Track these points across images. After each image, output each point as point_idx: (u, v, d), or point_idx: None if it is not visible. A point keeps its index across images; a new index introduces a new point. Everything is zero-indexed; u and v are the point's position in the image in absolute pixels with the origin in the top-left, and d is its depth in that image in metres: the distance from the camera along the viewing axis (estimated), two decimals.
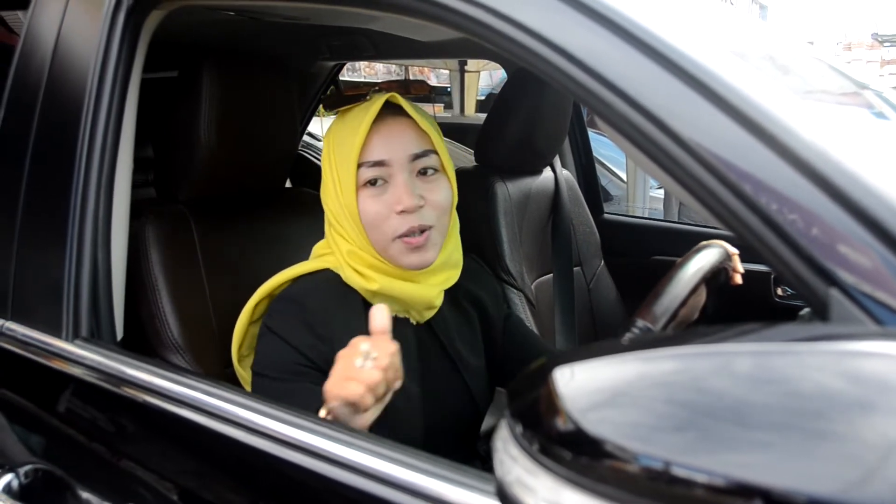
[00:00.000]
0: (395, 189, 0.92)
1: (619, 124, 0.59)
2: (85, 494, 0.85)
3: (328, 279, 0.97)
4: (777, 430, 0.39)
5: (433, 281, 0.98)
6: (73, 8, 0.96)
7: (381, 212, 0.92)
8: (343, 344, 0.89)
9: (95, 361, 0.87)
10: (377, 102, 0.93)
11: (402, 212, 0.91)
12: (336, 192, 0.95)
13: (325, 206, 0.99)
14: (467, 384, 1.03)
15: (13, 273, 0.96)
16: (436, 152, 0.96)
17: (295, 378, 0.90)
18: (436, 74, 8.56)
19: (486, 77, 7.23)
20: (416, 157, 0.94)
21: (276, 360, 0.92)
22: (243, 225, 1.27)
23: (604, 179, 3.75)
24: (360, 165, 0.92)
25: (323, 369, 0.90)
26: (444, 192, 0.96)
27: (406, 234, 0.92)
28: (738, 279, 1.08)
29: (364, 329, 0.92)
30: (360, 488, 0.63)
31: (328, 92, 1.02)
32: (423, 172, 0.95)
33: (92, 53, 0.92)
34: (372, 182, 0.93)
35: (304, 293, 0.95)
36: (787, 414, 0.39)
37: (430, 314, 1.01)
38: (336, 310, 0.95)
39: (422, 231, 0.92)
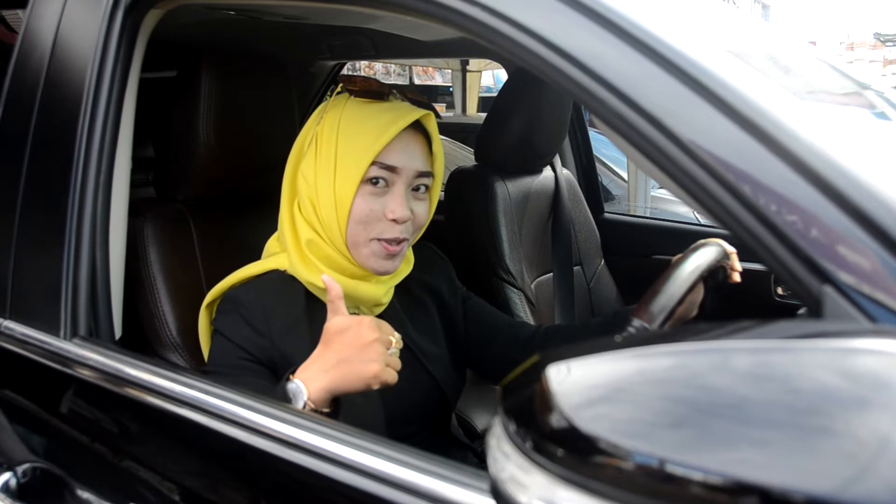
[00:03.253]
0: (394, 198, 0.95)
1: (617, 124, 0.59)
2: (83, 493, 0.84)
3: (272, 279, 1.00)
4: (775, 427, 0.38)
5: (381, 280, 1.01)
6: (72, 6, 0.96)
7: (374, 211, 0.95)
8: (282, 339, 0.94)
9: (94, 360, 0.87)
10: (415, 113, 0.96)
11: (393, 220, 0.94)
12: (331, 177, 0.95)
13: (299, 186, 0.99)
14: (430, 372, 1.05)
15: (11, 272, 0.96)
16: (433, 175, 1.00)
17: (236, 371, 0.93)
18: (441, 74, 8.56)
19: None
20: (421, 174, 0.97)
21: (220, 357, 0.95)
22: (242, 225, 1.27)
23: (605, 179, 3.75)
24: (372, 163, 0.94)
25: (263, 363, 0.94)
26: (426, 212, 1.01)
27: (388, 240, 0.95)
28: (737, 277, 1.08)
29: (303, 322, 0.96)
30: (358, 486, 0.64)
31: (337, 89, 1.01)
32: (415, 189, 0.98)
33: (90, 52, 0.92)
34: (373, 181, 0.94)
35: (245, 292, 0.98)
36: (785, 411, 0.39)
37: (379, 310, 1.03)
38: (276, 307, 0.97)
39: (398, 242, 0.96)
